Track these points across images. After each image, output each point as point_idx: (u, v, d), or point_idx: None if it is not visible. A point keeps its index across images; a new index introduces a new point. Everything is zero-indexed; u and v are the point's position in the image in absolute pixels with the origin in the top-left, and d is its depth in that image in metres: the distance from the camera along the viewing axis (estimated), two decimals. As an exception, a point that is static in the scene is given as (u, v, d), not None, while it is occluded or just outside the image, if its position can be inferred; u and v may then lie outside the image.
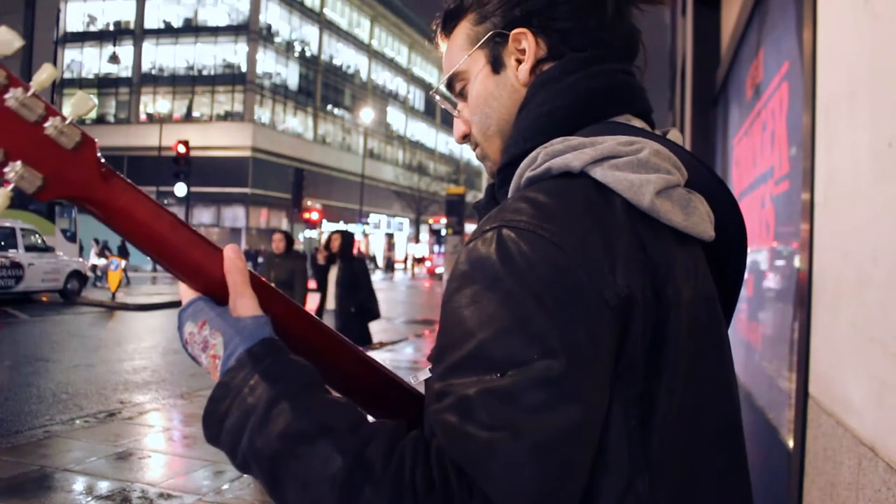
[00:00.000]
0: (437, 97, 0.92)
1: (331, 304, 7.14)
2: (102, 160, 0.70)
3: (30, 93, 0.66)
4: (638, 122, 0.82)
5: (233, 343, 0.71)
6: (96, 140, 0.71)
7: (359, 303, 6.95)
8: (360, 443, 0.63)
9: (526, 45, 0.82)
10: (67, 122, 0.68)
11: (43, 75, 0.66)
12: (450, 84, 0.90)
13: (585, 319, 0.64)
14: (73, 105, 0.68)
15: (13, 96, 0.65)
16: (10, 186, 0.66)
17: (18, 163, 0.66)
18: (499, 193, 0.85)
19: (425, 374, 0.76)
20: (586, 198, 0.70)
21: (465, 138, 0.91)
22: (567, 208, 0.69)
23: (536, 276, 0.64)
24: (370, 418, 0.69)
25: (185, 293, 0.77)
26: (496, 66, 0.85)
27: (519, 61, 0.84)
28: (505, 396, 0.61)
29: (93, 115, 39.59)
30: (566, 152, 0.73)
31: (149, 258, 0.77)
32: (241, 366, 0.69)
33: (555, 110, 0.79)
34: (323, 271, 7.26)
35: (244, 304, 0.73)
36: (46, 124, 0.67)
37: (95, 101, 0.71)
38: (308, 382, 0.69)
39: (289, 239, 7.17)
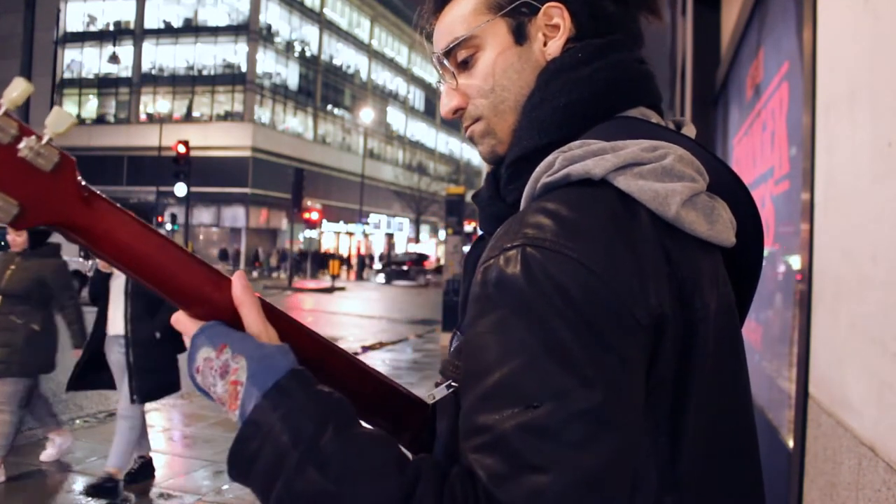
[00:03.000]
0: (437, 64, 0.84)
1: (116, 326, 4.35)
2: (83, 182, 0.65)
3: (0, 112, 0.59)
4: (655, 117, 0.79)
5: (256, 371, 0.66)
6: (75, 158, 0.65)
7: (164, 325, 4.16)
8: (409, 483, 0.60)
9: (559, 20, 0.79)
10: (44, 141, 0.61)
11: (14, 93, 0.60)
12: (450, 51, 0.82)
13: (619, 344, 0.61)
14: (50, 122, 0.62)
15: None
16: None
17: None
18: (505, 189, 0.80)
19: (442, 391, 0.74)
20: (611, 211, 0.66)
21: (457, 112, 0.85)
22: (592, 224, 0.65)
23: (566, 300, 0.61)
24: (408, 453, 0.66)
25: (185, 325, 0.72)
26: (520, 37, 0.80)
27: (546, 36, 0.80)
28: (544, 432, 0.59)
29: (93, 115, 39.64)
30: (586, 158, 0.69)
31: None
32: (268, 400, 0.64)
33: (571, 103, 0.76)
34: (103, 279, 4.47)
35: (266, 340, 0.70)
36: (20, 146, 0.60)
37: (75, 117, 0.66)
38: (343, 418, 0.66)
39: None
